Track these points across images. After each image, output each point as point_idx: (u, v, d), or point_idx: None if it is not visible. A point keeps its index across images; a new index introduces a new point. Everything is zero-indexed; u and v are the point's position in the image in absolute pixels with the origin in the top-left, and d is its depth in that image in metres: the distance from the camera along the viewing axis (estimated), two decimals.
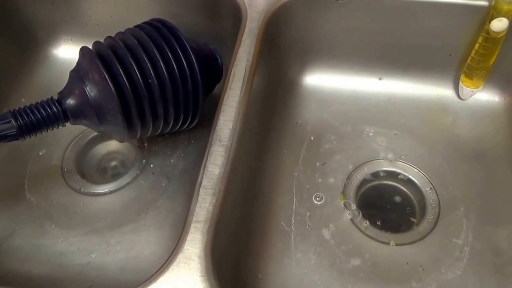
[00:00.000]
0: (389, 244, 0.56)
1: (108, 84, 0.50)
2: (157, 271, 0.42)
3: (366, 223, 0.57)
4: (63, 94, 0.53)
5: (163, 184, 0.61)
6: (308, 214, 0.58)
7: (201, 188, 0.47)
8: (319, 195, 0.60)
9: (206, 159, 0.49)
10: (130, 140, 0.64)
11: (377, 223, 0.57)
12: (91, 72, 0.51)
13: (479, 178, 0.60)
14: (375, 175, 0.61)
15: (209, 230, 0.44)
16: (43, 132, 0.52)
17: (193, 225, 0.44)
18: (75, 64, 0.54)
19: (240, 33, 0.59)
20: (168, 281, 0.42)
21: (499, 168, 0.61)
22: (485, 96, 0.67)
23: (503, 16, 0.56)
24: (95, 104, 0.51)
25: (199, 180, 0.47)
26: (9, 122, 0.50)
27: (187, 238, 0.44)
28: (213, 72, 0.62)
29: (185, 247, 0.43)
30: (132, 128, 0.54)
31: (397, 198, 0.60)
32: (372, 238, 0.56)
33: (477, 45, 0.61)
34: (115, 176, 0.63)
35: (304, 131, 0.65)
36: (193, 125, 0.60)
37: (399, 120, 0.66)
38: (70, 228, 0.58)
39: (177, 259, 0.43)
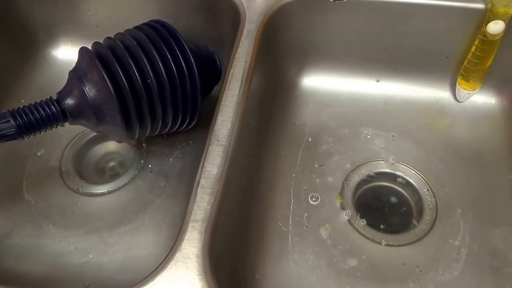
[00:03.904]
0: (386, 244, 0.56)
1: (107, 84, 0.50)
2: (154, 270, 0.43)
3: (363, 224, 0.57)
4: (62, 94, 0.53)
5: (161, 184, 0.61)
6: (305, 215, 0.58)
7: (199, 188, 0.47)
8: (317, 196, 0.60)
9: (204, 158, 0.49)
10: (128, 141, 0.65)
11: (374, 224, 0.57)
12: (90, 72, 0.51)
13: (476, 179, 0.61)
14: (373, 176, 0.62)
15: (206, 229, 0.44)
16: (42, 132, 0.53)
17: (191, 224, 0.45)
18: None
19: (239, 34, 0.59)
20: (165, 279, 0.42)
21: (496, 170, 0.61)
22: (482, 98, 0.67)
23: (499, 19, 0.57)
24: (94, 104, 0.51)
25: (197, 179, 0.47)
26: (8, 121, 0.50)
27: (185, 237, 0.44)
28: (211, 73, 0.62)
29: (183, 246, 0.43)
30: (130, 128, 0.54)
31: (395, 199, 0.60)
32: (369, 239, 0.56)
33: (473, 48, 0.61)
34: (113, 176, 0.63)
35: (302, 133, 0.66)
36: (192, 126, 0.60)
37: (396, 122, 0.66)
38: (68, 228, 0.58)
39: (175, 257, 0.43)
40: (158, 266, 0.43)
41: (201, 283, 0.42)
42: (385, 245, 0.56)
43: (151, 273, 0.43)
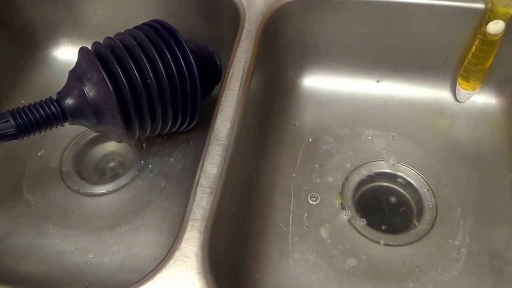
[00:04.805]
0: (385, 244, 0.56)
1: (107, 84, 0.50)
2: (154, 269, 0.43)
3: (363, 224, 0.57)
4: (62, 94, 0.53)
5: (161, 184, 0.61)
6: (305, 215, 0.58)
7: (198, 187, 0.47)
8: (317, 196, 0.60)
9: (204, 158, 0.49)
10: (128, 141, 0.65)
11: (375, 224, 0.57)
12: (90, 72, 0.51)
13: (476, 179, 0.60)
14: (373, 176, 0.61)
15: (206, 229, 0.44)
16: (41, 132, 0.53)
17: (190, 223, 0.45)
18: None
19: (239, 34, 0.59)
20: (165, 278, 0.42)
21: (495, 170, 0.61)
22: (482, 99, 0.67)
23: (499, 19, 0.57)
24: (94, 104, 0.51)
25: (196, 178, 0.47)
26: (8, 121, 0.50)
27: (184, 236, 0.44)
28: (211, 73, 0.62)
29: (182, 245, 0.43)
30: (130, 128, 0.54)
31: (394, 199, 0.60)
32: (369, 239, 0.56)
33: (474, 48, 0.61)
34: (114, 176, 0.63)
35: (302, 133, 0.66)
36: (192, 126, 0.61)
37: (396, 122, 0.66)
38: (68, 228, 0.58)
39: (174, 256, 0.43)
40: (157, 265, 0.43)
41: (200, 282, 0.42)
42: (384, 245, 0.56)
43: (150, 272, 0.42)
